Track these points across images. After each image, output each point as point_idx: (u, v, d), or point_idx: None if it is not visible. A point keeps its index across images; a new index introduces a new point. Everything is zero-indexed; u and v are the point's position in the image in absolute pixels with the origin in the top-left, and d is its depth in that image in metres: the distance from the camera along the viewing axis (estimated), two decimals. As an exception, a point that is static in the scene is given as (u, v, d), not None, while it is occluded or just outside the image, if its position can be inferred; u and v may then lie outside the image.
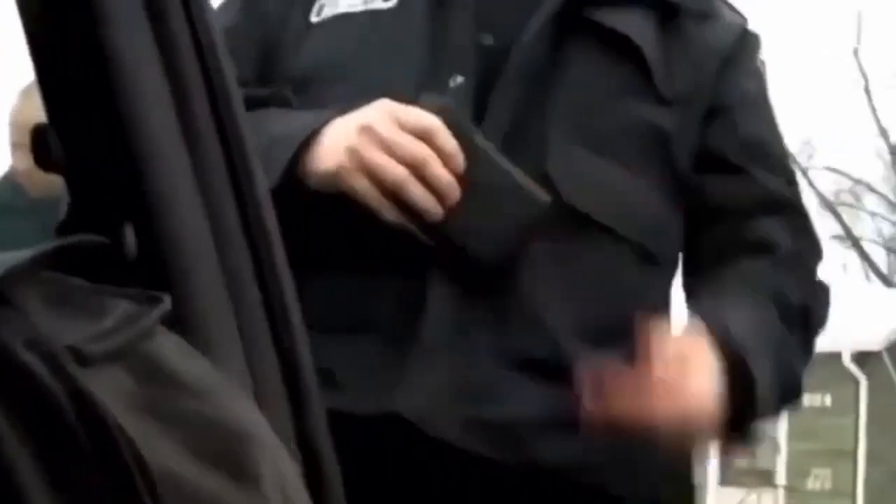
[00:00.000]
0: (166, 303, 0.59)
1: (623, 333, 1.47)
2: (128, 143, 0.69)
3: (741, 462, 15.65)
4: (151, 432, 0.51)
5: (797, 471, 15.62)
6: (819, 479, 15.63)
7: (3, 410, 0.47)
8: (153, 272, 0.67)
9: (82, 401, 0.49)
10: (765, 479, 15.90)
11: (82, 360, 0.51)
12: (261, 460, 0.57)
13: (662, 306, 1.62)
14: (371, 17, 1.57)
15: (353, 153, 1.42)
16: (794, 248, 1.66)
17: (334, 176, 1.44)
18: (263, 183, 0.81)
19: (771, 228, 1.64)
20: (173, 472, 0.51)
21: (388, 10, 1.57)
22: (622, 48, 1.58)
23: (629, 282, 1.57)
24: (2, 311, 0.51)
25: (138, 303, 0.58)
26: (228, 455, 0.55)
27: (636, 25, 1.59)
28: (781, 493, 15.83)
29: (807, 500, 15.54)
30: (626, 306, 1.53)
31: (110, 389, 0.51)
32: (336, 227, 1.49)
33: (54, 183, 0.73)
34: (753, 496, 15.80)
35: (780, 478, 15.90)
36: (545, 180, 1.50)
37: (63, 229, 0.68)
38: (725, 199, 1.64)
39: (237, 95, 0.80)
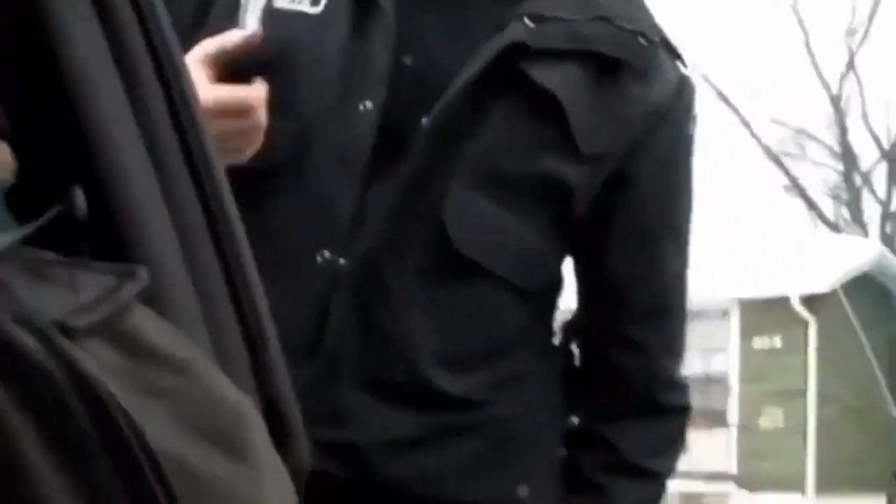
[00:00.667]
0: (143, 276, 0.58)
1: (486, 360, 1.61)
2: (72, 105, 0.69)
3: (694, 403, 15.75)
4: (144, 408, 0.50)
5: (749, 411, 15.79)
6: (771, 418, 15.79)
7: (2, 386, 0.47)
8: (105, 235, 0.66)
9: (77, 375, 0.49)
10: (716, 419, 16.07)
11: (68, 334, 0.51)
12: (255, 439, 0.57)
13: (529, 331, 1.68)
14: (297, 19, 1.59)
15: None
16: (644, 389, 1.69)
17: None
18: (212, 142, 0.80)
19: (637, 348, 1.68)
20: (172, 449, 0.50)
21: (314, 17, 1.59)
22: (546, 101, 1.58)
23: (496, 313, 1.63)
24: None
25: (114, 276, 0.57)
26: (225, 433, 0.55)
27: (566, 80, 1.59)
28: (733, 432, 16.01)
29: (759, 438, 15.70)
30: (491, 335, 1.63)
31: (97, 364, 0.50)
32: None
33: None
34: (707, 436, 15.95)
35: (732, 417, 16.07)
36: (438, 224, 1.56)
37: (12, 195, 0.67)
38: (614, 277, 1.69)
39: (178, 51, 0.80)
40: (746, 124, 23.75)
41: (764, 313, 15.56)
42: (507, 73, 1.57)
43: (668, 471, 1.73)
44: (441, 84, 1.56)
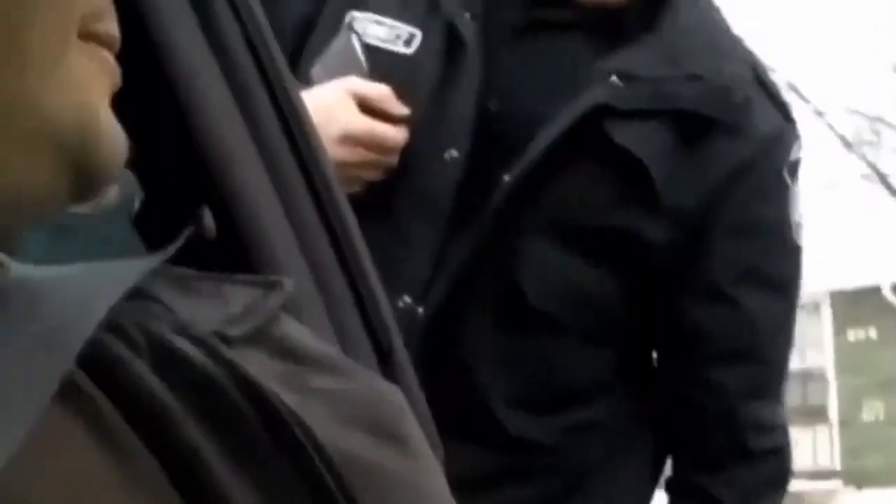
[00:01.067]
0: (287, 286, 0.59)
1: (560, 407, 1.61)
2: (192, 130, 0.72)
3: (792, 401, 15.65)
4: (309, 410, 0.51)
5: (849, 404, 15.60)
6: (872, 411, 15.60)
7: (174, 395, 0.47)
8: (232, 255, 0.68)
9: (241, 379, 0.50)
10: (817, 415, 15.89)
11: (228, 343, 0.52)
12: (414, 430, 0.58)
13: (608, 379, 1.67)
14: (390, 59, 1.60)
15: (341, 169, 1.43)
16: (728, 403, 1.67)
17: None
18: (327, 159, 0.82)
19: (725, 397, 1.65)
20: (338, 444, 0.51)
21: (406, 58, 1.60)
22: (629, 159, 1.56)
23: (571, 363, 1.63)
24: (147, 303, 0.52)
25: (260, 287, 0.58)
26: (386, 426, 0.55)
27: (650, 138, 1.57)
28: (836, 427, 15.83)
29: (861, 432, 15.51)
30: (565, 384, 1.63)
31: (259, 370, 0.51)
32: None
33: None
34: (808, 433, 15.79)
35: (833, 412, 15.89)
36: (513, 278, 1.57)
37: (140, 220, 0.70)
38: (692, 324, 1.65)
39: (287, 74, 0.82)
40: (820, 114, 23.46)
41: (856, 304, 15.39)
42: (591, 133, 1.55)
43: None
44: (524, 135, 1.56)
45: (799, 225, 1.67)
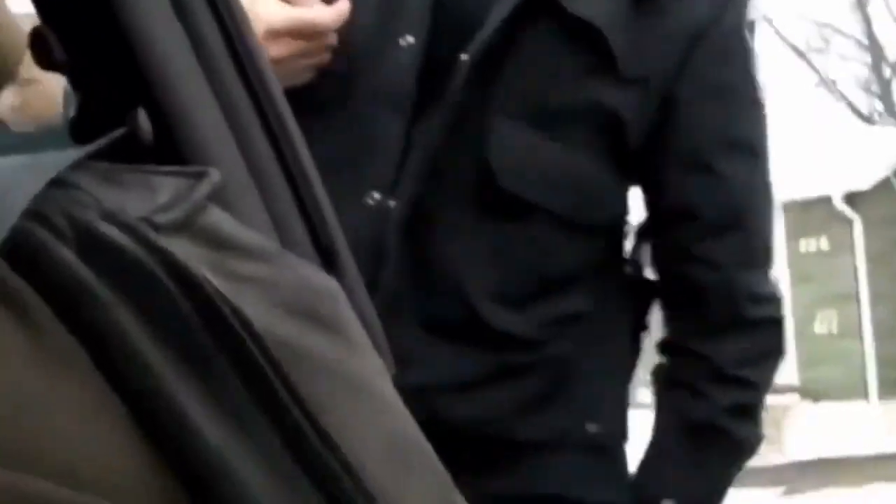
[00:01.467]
0: (214, 175, 0.59)
1: (542, 297, 1.61)
2: (123, 28, 0.69)
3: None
4: (240, 296, 0.51)
5: (802, 316, 15.66)
6: (825, 323, 15.70)
7: (101, 281, 0.48)
8: (170, 154, 0.67)
9: (170, 263, 0.50)
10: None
11: (155, 229, 0.51)
12: (348, 316, 0.58)
13: (590, 268, 1.66)
14: None
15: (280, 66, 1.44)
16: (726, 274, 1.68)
17: None
18: (265, 57, 0.80)
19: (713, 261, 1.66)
20: (268, 327, 0.51)
21: None
22: (584, 28, 1.55)
23: (550, 250, 1.61)
24: (70, 192, 0.51)
25: (187, 178, 0.58)
26: (318, 312, 0.55)
27: (600, 4, 1.57)
28: (790, 338, 15.88)
29: (815, 345, 15.61)
30: (546, 273, 1.62)
31: (187, 256, 0.51)
32: None
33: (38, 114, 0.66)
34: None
35: (787, 324, 15.96)
36: (482, 160, 1.55)
37: (75, 126, 0.70)
38: (677, 199, 1.66)
39: None
40: (769, 21, 23.40)
41: (807, 215, 15.39)
42: (544, 5, 1.55)
43: (766, 381, 1.73)
44: (479, 14, 1.55)
45: (762, 84, 1.70)
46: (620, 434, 1.70)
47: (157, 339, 0.48)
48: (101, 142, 0.57)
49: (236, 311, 0.50)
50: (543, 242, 1.61)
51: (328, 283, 0.60)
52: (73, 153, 0.54)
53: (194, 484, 0.47)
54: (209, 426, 0.48)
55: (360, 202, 1.55)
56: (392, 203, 1.55)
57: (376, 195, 1.55)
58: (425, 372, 1.53)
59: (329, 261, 0.81)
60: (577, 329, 1.64)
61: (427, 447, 0.59)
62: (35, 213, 0.48)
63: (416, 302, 1.56)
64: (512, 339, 1.59)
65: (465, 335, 1.58)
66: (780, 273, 15.68)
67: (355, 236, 1.46)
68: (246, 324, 0.50)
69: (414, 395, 1.37)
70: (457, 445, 1.50)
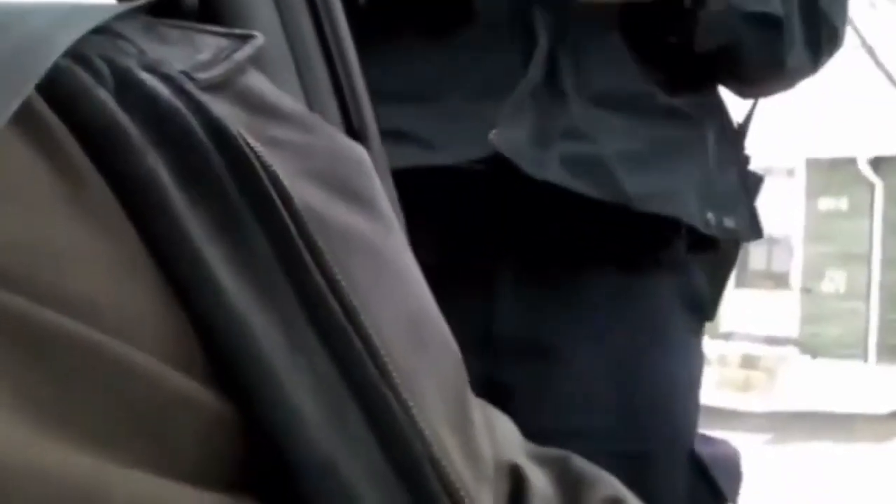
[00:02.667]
0: (259, 39, 0.58)
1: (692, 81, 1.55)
2: None
3: (757, 265, 15.75)
4: (273, 157, 0.50)
5: (812, 273, 15.71)
6: (833, 282, 15.72)
7: (135, 126, 0.47)
8: (211, 20, 0.68)
9: (205, 115, 0.49)
10: (780, 281, 16.01)
11: (195, 84, 0.52)
12: (379, 190, 0.58)
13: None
14: None
15: None
16: None
17: None
18: None
19: None
20: (305, 198, 0.51)
21: None
22: None
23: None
24: (115, 40, 0.51)
25: (230, 39, 0.58)
26: (349, 182, 0.56)
27: None
28: (797, 295, 15.95)
29: (821, 302, 15.65)
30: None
31: (223, 114, 0.51)
32: None
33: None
34: (769, 298, 15.91)
35: (796, 280, 16.00)
36: None
37: None
38: None
39: None
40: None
41: (830, 174, 15.39)
42: None
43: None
44: None
45: None
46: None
47: (188, 190, 0.47)
48: (145, 2, 0.56)
49: (268, 170, 0.49)
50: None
51: (362, 155, 0.59)
52: (121, 5, 0.54)
53: (215, 346, 0.46)
54: (234, 288, 0.47)
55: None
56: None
57: None
58: (600, 145, 1.49)
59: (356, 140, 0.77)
60: (715, 111, 1.62)
61: (445, 328, 0.57)
62: (76, 54, 0.48)
63: (578, 76, 1.50)
64: (677, 112, 1.55)
65: (633, 107, 1.52)
66: (796, 229, 15.76)
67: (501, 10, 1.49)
68: (277, 183, 0.49)
69: (593, 168, 1.49)
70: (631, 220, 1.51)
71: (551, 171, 1.44)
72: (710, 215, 1.55)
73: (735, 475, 1.59)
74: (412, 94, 1.45)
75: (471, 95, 1.46)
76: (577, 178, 1.46)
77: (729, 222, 1.58)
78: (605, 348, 1.53)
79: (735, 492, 1.57)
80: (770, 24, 1.56)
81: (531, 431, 0.71)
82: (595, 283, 1.53)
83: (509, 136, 1.43)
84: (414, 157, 1.38)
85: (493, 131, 1.42)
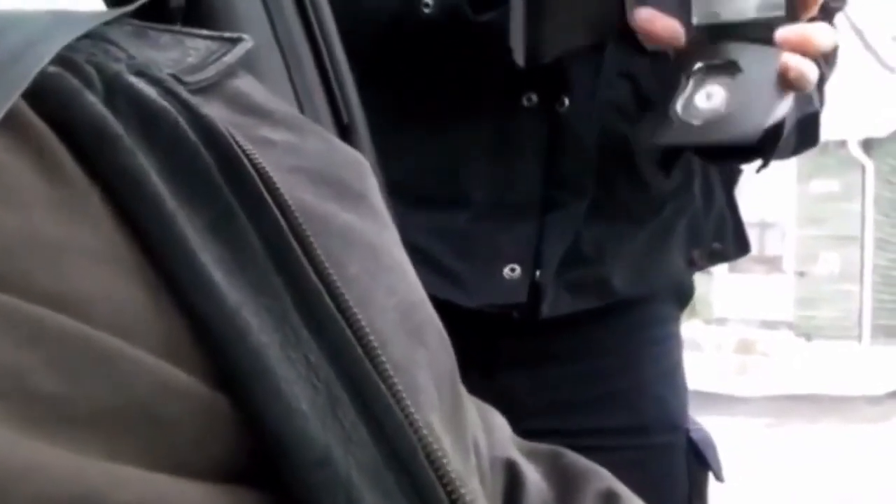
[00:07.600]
0: (248, 41, 0.59)
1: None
2: None
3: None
4: (264, 157, 0.50)
5: (805, 256, 15.73)
6: (827, 264, 15.75)
7: (124, 128, 0.47)
8: (199, 22, 0.68)
9: (197, 120, 0.49)
10: (773, 265, 16.03)
11: (183, 85, 0.52)
12: (373, 187, 0.58)
13: None
14: None
15: None
16: None
17: None
18: None
19: None
20: (297, 195, 0.51)
21: None
22: None
23: None
24: (101, 45, 0.52)
25: (219, 41, 0.58)
26: (342, 180, 0.56)
27: None
28: (791, 278, 15.97)
29: (815, 284, 15.68)
30: None
31: (213, 115, 0.50)
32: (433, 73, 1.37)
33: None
34: (763, 282, 15.92)
35: (789, 263, 16.02)
36: None
37: None
38: None
39: None
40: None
41: (822, 156, 15.40)
42: None
43: None
44: None
45: None
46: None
47: (179, 189, 0.47)
48: (136, 3, 0.56)
49: (258, 168, 0.49)
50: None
51: (354, 154, 0.59)
52: (108, 12, 0.54)
53: (208, 341, 0.45)
54: (227, 283, 0.46)
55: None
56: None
57: None
58: (605, 266, 1.49)
59: (347, 139, 0.80)
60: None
61: (439, 324, 0.57)
62: (65, 60, 0.48)
63: (574, 197, 1.46)
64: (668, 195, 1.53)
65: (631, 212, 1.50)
66: (788, 213, 15.77)
67: None
68: (267, 180, 0.49)
69: (598, 287, 1.42)
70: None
71: (558, 305, 1.44)
72: (695, 253, 1.56)
73: (715, 450, 1.61)
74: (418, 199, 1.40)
75: (476, 212, 1.42)
76: (578, 299, 1.46)
77: (716, 246, 1.58)
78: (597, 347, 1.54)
79: (720, 466, 1.59)
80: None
81: (531, 431, 0.70)
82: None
83: (546, 276, 1.42)
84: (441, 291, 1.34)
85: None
